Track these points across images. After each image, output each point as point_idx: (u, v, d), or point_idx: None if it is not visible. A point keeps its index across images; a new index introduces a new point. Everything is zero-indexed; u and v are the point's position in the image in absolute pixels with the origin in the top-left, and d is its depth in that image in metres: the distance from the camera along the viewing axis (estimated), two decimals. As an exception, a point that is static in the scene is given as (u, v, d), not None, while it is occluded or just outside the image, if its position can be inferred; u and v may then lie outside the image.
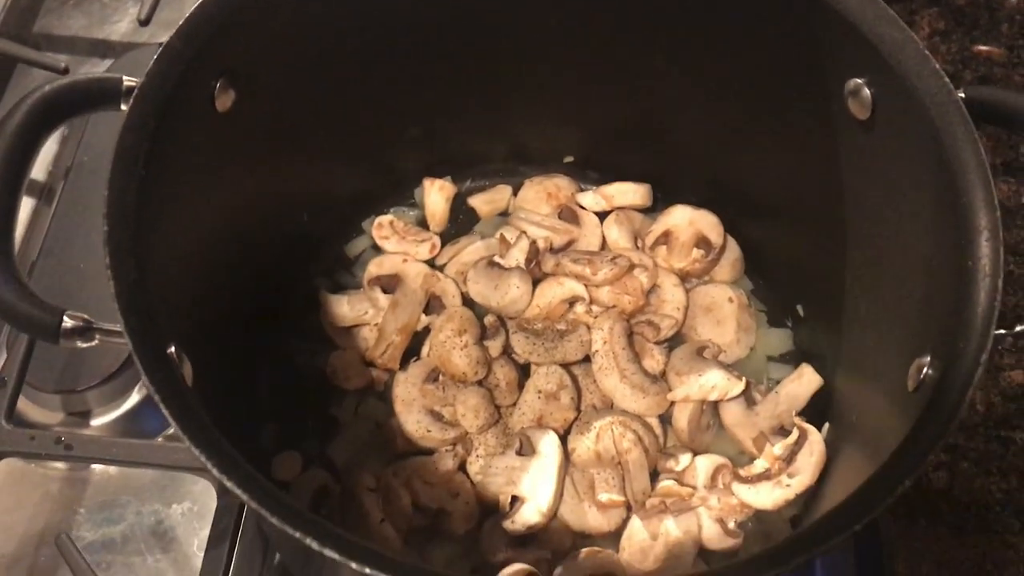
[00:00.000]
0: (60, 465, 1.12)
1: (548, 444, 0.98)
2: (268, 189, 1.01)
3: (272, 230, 1.04)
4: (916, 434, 0.70)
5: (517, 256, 1.09)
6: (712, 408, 1.05)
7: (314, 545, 0.60)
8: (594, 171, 1.23)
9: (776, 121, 1.00)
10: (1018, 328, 0.75)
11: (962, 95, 0.82)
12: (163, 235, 0.78)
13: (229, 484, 0.62)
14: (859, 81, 0.85)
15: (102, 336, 0.73)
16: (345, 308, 1.10)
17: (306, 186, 1.09)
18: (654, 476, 1.02)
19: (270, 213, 1.03)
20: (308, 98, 1.00)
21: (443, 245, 1.19)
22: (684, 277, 1.14)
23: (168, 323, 0.73)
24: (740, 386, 1.02)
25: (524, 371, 1.08)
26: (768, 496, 0.97)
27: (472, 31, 1.04)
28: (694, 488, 0.99)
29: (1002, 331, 0.75)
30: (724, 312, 1.10)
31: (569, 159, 1.23)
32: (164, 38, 0.81)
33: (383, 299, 1.10)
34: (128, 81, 0.80)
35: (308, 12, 0.92)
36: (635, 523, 0.97)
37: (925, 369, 0.75)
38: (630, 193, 1.17)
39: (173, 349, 0.72)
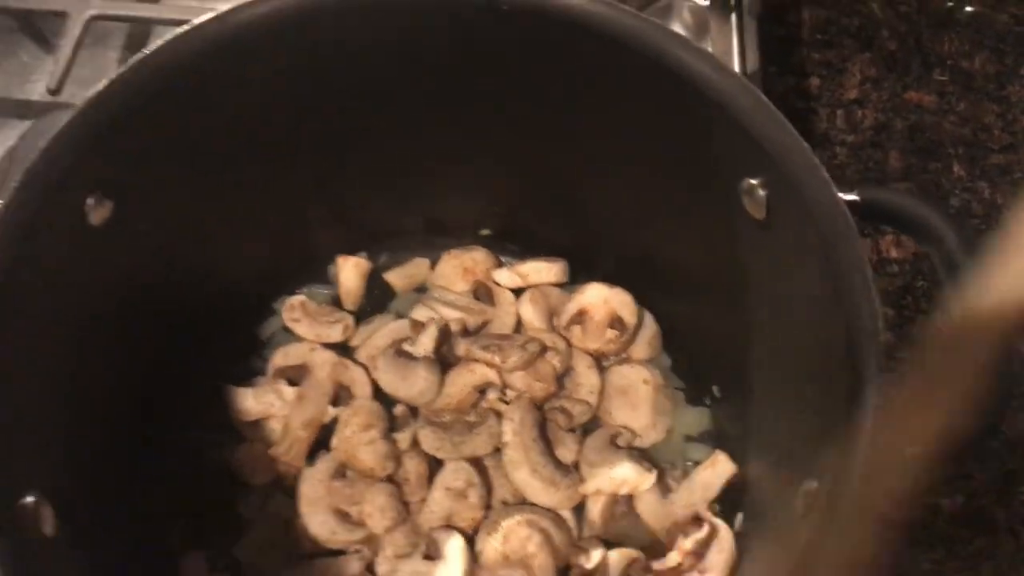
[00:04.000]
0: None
1: (453, 548, 0.95)
2: (156, 288, 0.97)
3: (166, 326, 1.00)
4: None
5: (426, 344, 1.06)
6: (628, 496, 1.03)
7: None
8: (513, 244, 1.20)
9: (680, 209, 0.97)
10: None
11: (856, 197, 0.81)
12: (14, 366, 0.74)
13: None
14: (753, 182, 0.83)
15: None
16: (250, 402, 1.06)
17: (204, 276, 1.05)
18: (566, 572, 0.99)
19: (162, 311, 0.98)
20: (199, 191, 0.96)
21: (358, 323, 1.16)
22: (600, 357, 1.11)
23: (23, 469, 0.70)
24: (650, 480, 1.00)
25: (438, 461, 1.05)
26: (679, 594, 0.95)
27: (371, 110, 1.00)
28: (606, 585, 0.98)
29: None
30: (639, 395, 1.08)
31: (486, 232, 1.20)
32: (81, 99, 0.80)
33: (288, 392, 1.07)
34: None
35: (190, 111, 0.88)
36: (544, 627, 0.95)
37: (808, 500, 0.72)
38: (544, 271, 1.14)
39: (31, 499, 0.69)
